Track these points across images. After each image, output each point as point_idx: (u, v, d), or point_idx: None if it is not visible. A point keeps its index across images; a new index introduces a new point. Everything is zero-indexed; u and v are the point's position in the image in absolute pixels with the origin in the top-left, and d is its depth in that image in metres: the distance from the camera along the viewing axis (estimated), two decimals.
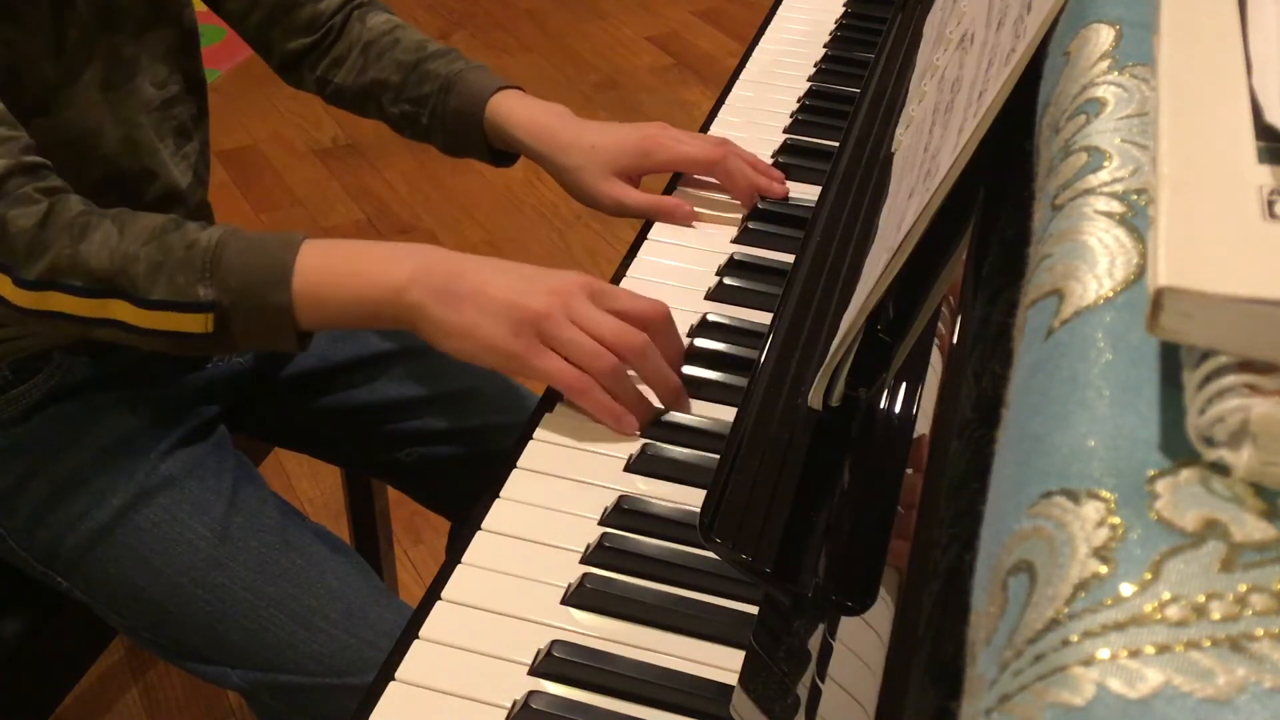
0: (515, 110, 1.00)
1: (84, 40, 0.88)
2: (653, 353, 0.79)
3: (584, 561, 0.71)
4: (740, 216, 1.01)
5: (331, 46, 1.07)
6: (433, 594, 0.69)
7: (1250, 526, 0.26)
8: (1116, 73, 0.40)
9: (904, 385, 0.61)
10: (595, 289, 0.79)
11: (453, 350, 0.79)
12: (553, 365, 0.77)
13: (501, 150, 1.04)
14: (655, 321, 0.80)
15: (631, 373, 0.80)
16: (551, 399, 0.82)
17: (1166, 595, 0.25)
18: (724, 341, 0.86)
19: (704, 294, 0.92)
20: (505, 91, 1.02)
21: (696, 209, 1.01)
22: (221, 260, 0.77)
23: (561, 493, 0.75)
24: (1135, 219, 0.34)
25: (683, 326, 0.87)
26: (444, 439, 1.09)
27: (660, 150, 0.99)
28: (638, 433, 0.79)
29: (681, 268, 0.95)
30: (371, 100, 1.06)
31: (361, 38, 1.05)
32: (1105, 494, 0.28)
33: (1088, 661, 0.24)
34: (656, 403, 0.81)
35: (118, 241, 0.77)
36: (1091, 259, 0.33)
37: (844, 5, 1.34)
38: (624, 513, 0.74)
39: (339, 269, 0.79)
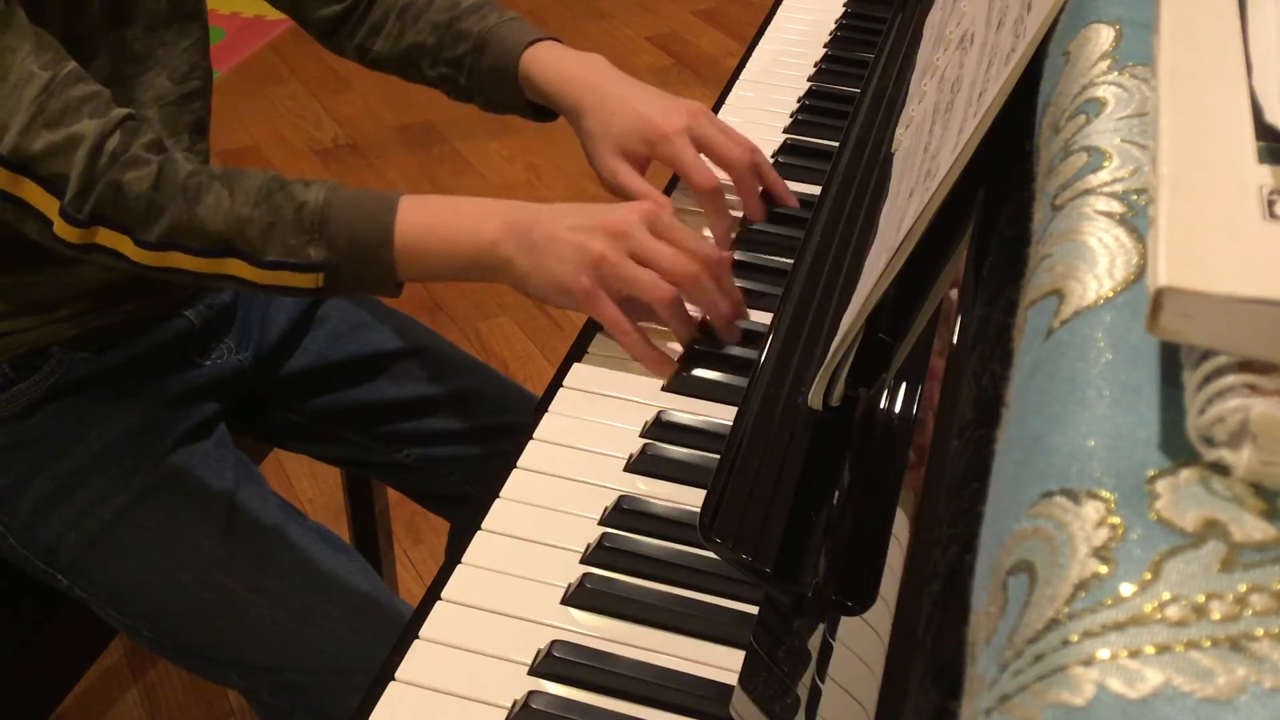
0: (548, 66, 0.99)
1: (93, 33, 0.88)
2: (705, 283, 0.84)
3: (584, 561, 0.71)
4: (740, 217, 1.01)
5: (367, 13, 1.05)
6: (433, 594, 0.69)
7: (1250, 526, 0.26)
8: (1116, 73, 0.40)
9: (904, 385, 0.61)
10: (656, 220, 0.84)
11: (531, 292, 0.84)
12: (604, 309, 0.83)
13: (542, 105, 1.02)
14: (708, 260, 0.84)
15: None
16: (551, 399, 0.82)
17: (1166, 595, 0.25)
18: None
19: None
20: (539, 45, 0.99)
21: (697, 208, 1.01)
22: (329, 221, 0.81)
23: (561, 493, 0.75)
24: (1135, 219, 0.34)
25: None
26: (444, 439, 1.09)
27: (663, 145, 0.95)
28: (673, 368, 0.84)
29: None
30: (412, 66, 1.05)
31: (396, 3, 1.04)
32: (1105, 494, 0.28)
33: (1088, 661, 0.24)
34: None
35: (230, 204, 0.81)
36: (1091, 259, 0.33)
37: (844, 5, 1.34)
38: (624, 513, 0.74)
39: (436, 227, 0.83)
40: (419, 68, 1.04)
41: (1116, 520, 0.27)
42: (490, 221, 0.83)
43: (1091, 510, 0.27)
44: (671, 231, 0.84)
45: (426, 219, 0.83)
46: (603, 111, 0.96)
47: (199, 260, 0.82)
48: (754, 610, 0.65)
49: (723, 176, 0.97)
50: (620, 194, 0.97)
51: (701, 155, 0.96)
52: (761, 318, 0.87)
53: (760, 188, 0.99)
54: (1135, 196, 0.35)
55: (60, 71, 0.80)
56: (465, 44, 1.01)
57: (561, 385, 0.84)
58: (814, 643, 0.55)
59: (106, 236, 0.81)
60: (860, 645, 0.51)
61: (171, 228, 0.81)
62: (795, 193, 1.03)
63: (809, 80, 1.21)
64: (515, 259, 0.82)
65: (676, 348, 0.86)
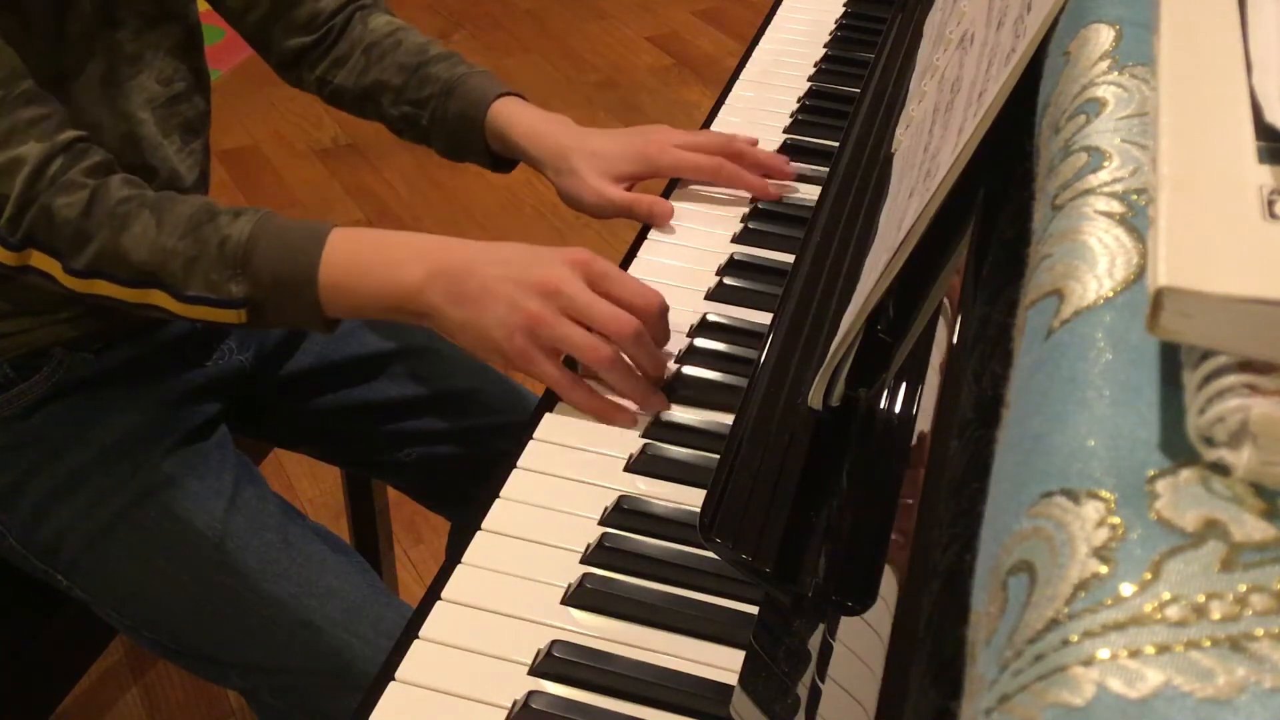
0: (517, 117, 1.00)
1: (84, 36, 0.88)
2: (644, 339, 0.81)
3: (584, 561, 0.71)
4: (740, 216, 1.01)
5: (332, 47, 1.06)
6: (433, 594, 0.69)
7: (1250, 526, 0.26)
8: (1116, 73, 0.40)
9: (904, 385, 0.61)
10: (591, 270, 0.80)
11: (463, 346, 0.82)
12: (543, 369, 0.80)
13: (500, 156, 1.04)
14: (647, 311, 0.81)
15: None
16: (551, 399, 0.82)
17: (1166, 595, 0.25)
18: (724, 341, 0.86)
19: (704, 294, 0.92)
20: (507, 98, 1.02)
21: (698, 208, 1.01)
22: (252, 258, 0.80)
23: (561, 493, 0.75)
24: (1135, 219, 0.34)
25: (683, 326, 0.87)
26: (444, 439, 1.09)
27: (663, 157, 1.00)
28: (632, 426, 0.80)
29: (681, 268, 0.95)
30: (371, 102, 1.06)
31: (363, 39, 1.05)
32: (1105, 494, 0.28)
33: (1088, 661, 0.24)
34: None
35: (155, 235, 0.80)
36: (1091, 259, 0.33)
37: (844, 5, 1.34)
38: (624, 513, 0.74)
39: (362, 266, 0.81)
40: (379, 104, 1.05)
41: (1116, 520, 0.27)
42: (416, 266, 0.80)
43: (1091, 510, 0.27)
44: (606, 281, 0.80)
45: (352, 256, 0.80)
46: (585, 149, 0.98)
47: (123, 290, 0.81)
48: (754, 610, 0.65)
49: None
50: (612, 208, 0.99)
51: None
52: (762, 318, 0.87)
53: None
54: (1135, 196, 0.35)
55: (12, 91, 0.80)
56: (432, 87, 1.02)
57: None
58: (814, 643, 0.55)
59: (39, 260, 0.81)
60: (860, 645, 0.51)
61: (98, 255, 0.80)
62: (795, 193, 1.03)
63: (809, 80, 1.21)
64: (444, 309, 0.79)
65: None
